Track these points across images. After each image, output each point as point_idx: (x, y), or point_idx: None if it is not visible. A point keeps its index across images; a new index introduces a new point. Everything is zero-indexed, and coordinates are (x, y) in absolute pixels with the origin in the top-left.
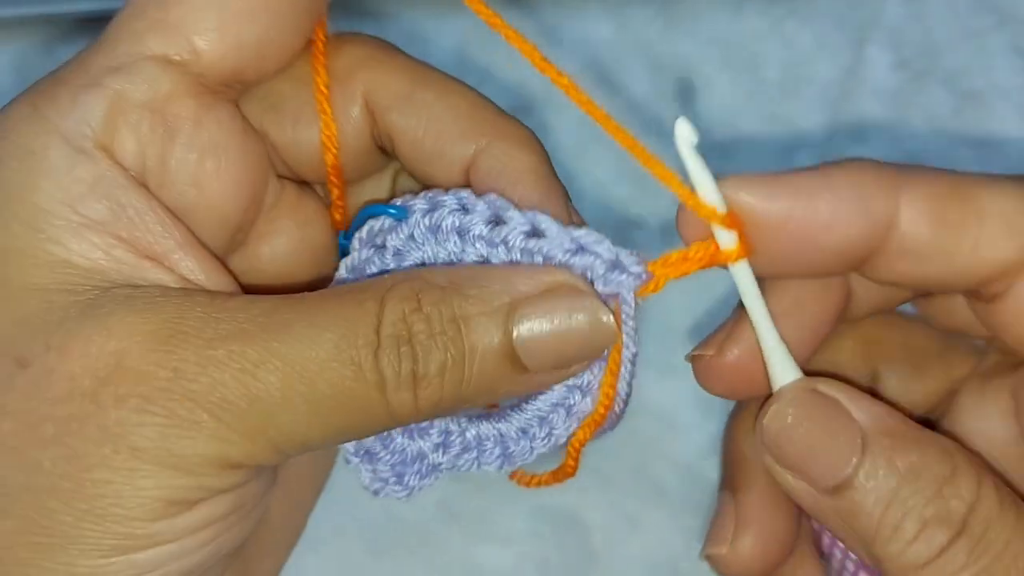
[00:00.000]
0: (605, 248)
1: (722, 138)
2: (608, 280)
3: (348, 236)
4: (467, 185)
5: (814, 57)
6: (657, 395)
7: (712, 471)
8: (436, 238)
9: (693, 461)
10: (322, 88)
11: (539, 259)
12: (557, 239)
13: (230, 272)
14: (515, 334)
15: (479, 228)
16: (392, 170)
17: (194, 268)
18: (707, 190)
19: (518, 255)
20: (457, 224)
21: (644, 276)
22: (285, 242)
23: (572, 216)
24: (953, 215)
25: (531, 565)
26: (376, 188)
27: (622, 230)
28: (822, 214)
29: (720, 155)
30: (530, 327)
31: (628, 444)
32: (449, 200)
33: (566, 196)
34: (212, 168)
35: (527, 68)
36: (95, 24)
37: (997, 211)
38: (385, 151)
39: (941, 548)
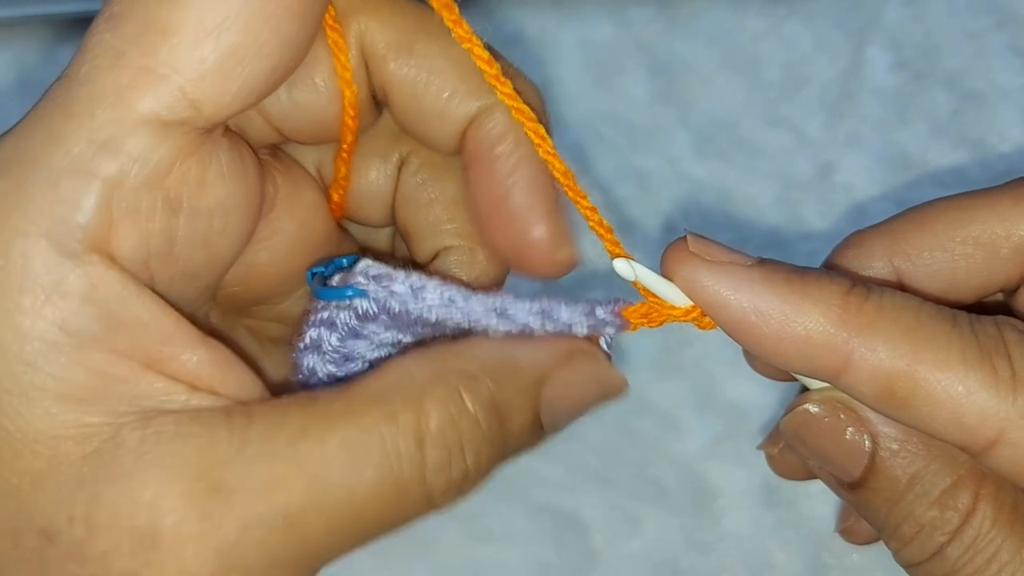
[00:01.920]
0: (579, 322)
1: (722, 139)
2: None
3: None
4: (460, 149)
5: (814, 57)
6: (657, 395)
7: (712, 471)
8: (400, 324)
9: (693, 461)
10: (340, 56)
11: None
12: (523, 318)
13: (238, 355)
14: (543, 411)
15: (442, 313)
16: (391, 132)
17: (205, 367)
18: (669, 295)
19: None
20: (418, 316)
21: (620, 326)
22: (283, 241)
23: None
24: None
25: (531, 565)
26: (371, 145)
27: (622, 230)
28: (782, 338)
29: (720, 156)
30: (556, 399)
31: (628, 444)
32: (401, 290)
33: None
34: (220, 225)
35: (528, 68)
36: None
37: (944, 396)
38: (379, 104)
39: (932, 553)
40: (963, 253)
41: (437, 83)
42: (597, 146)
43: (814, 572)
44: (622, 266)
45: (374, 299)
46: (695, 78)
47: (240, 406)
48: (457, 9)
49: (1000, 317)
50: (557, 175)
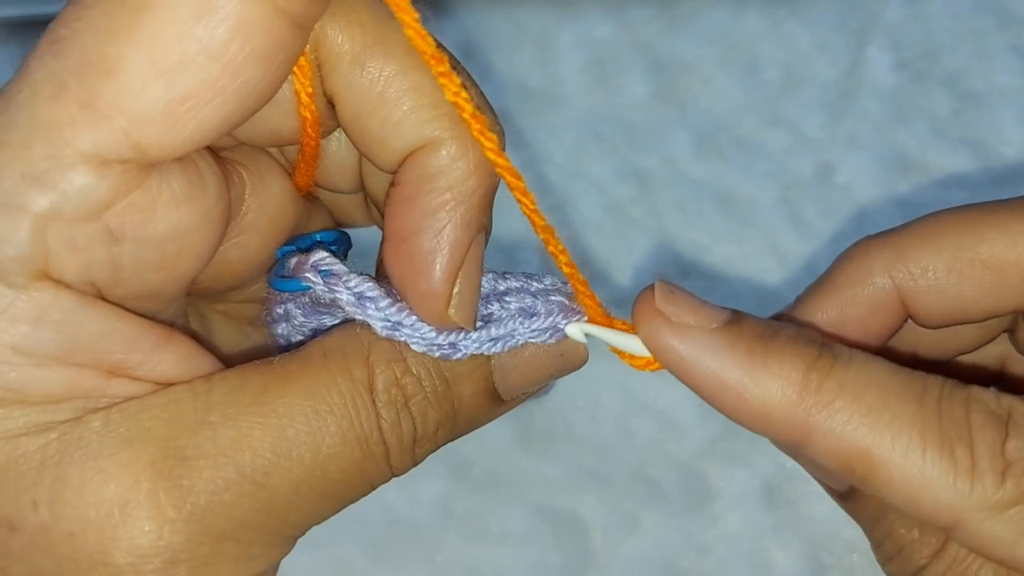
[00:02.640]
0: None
1: (721, 139)
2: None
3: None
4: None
5: (814, 57)
6: (657, 395)
7: (712, 471)
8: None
9: (693, 461)
10: (302, 79)
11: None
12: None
13: (205, 346)
14: (496, 376)
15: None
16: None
17: (171, 365)
18: (631, 347)
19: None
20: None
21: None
22: (254, 236)
23: (467, 265)
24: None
25: (530, 565)
26: (336, 148)
27: (621, 230)
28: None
29: (720, 156)
30: (508, 368)
31: (628, 444)
32: (345, 299)
33: (478, 243)
34: (174, 249)
35: (528, 68)
36: None
37: (900, 482)
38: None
39: (912, 573)
40: (970, 275)
41: (385, 111)
42: (597, 145)
43: (814, 572)
44: (574, 331)
45: (320, 297)
46: (695, 78)
47: (201, 376)
48: (420, 24)
49: (975, 394)
50: (537, 231)
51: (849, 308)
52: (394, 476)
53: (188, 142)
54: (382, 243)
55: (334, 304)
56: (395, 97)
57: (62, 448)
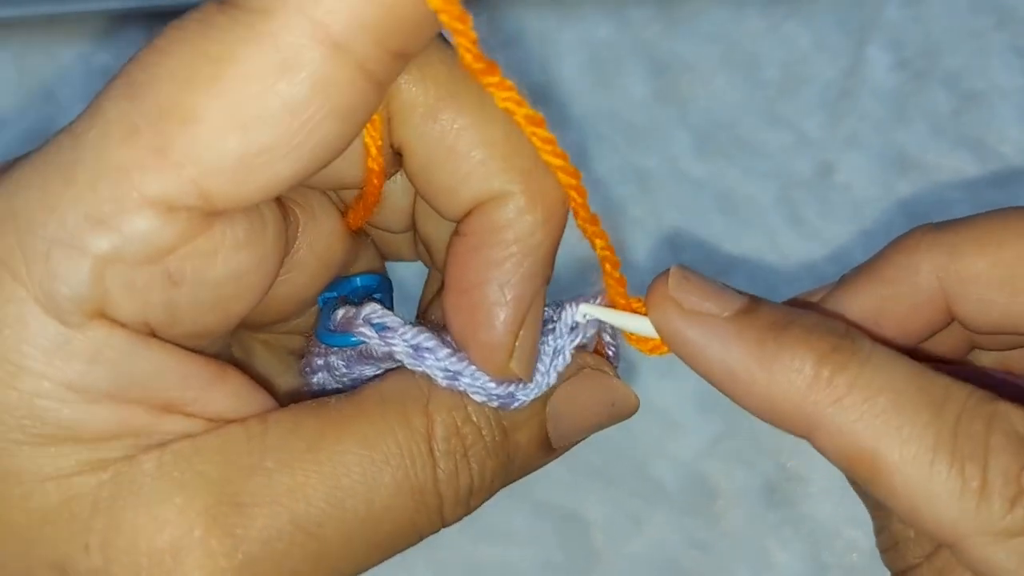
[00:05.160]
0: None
1: (722, 138)
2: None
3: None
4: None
5: (814, 57)
6: (657, 395)
7: (712, 471)
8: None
9: (693, 461)
10: (372, 132)
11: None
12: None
13: (256, 380)
14: (549, 426)
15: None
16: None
17: (224, 402)
18: (636, 328)
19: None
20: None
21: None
22: (303, 274)
23: (529, 318)
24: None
25: (532, 564)
26: (392, 190)
27: (621, 230)
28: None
29: (720, 156)
30: (562, 415)
31: (628, 444)
32: (402, 351)
33: (539, 297)
34: (231, 291)
35: (528, 68)
36: (96, 23)
37: (903, 492)
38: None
39: (905, 568)
40: None
41: (454, 163)
42: (597, 145)
43: (814, 572)
44: (578, 315)
45: (373, 350)
46: (695, 78)
47: (255, 416)
48: (500, 74)
49: (1001, 410)
50: (605, 264)
51: (889, 304)
52: (444, 527)
53: (258, 194)
54: (443, 292)
55: (388, 357)
56: (466, 149)
57: (115, 491)
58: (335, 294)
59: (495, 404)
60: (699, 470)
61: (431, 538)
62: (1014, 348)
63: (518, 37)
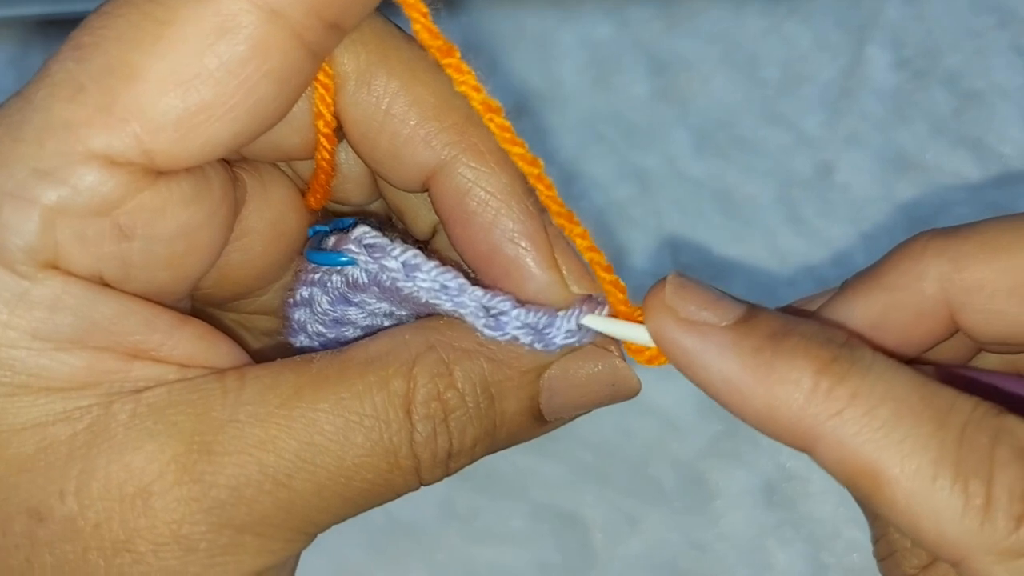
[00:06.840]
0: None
1: (721, 137)
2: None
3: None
4: (426, 189)
5: (814, 57)
6: (657, 395)
7: (712, 471)
8: (392, 297)
9: (693, 461)
10: (321, 105)
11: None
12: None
13: (227, 334)
14: (542, 398)
15: (432, 296)
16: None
17: (190, 345)
18: (640, 337)
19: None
20: (408, 295)
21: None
22: (255, 240)
23: (552, 241)
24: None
25: (531, 564)
26: (345, 160)
27: (621, 230)
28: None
29: (720, 155)
30: (557, 389)
31: (628, 444)
32: (393, 266)
33: (544, 219)
34: (183, 247)
35: (528, 68)
36: None
37: (904, 507)
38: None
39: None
40: None
41: (392, 127)
42: (597, 145)
43: (814, 572)
44: (572, 323)
45: (364, 270)
46: (695, 77)
47: (234, 370)
48: (428, 19)
49: (1008, 424)
50: (554, 216)
51: (892, 312)
52: (423, 486)
53: (199, 152)
54: (477, 275)
55: (372, 284)
56: (401, 112)
57: (89, 439)
58: (327, 228)
59: (528, 340)
60: (698, 470)
61: (429, 539)
62: (1022, 352)
63: (518, 37)
